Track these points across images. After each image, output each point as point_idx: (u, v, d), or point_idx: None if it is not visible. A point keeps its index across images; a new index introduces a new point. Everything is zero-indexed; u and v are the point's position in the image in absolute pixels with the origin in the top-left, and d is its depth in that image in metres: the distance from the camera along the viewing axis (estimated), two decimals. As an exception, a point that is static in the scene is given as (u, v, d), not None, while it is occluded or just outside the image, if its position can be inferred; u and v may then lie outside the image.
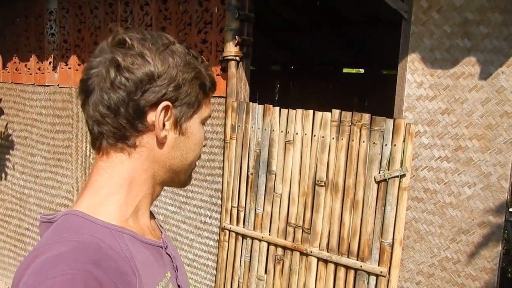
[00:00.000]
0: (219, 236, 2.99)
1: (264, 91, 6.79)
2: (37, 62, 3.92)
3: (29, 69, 3.99)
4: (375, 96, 5.75)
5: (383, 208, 2.39)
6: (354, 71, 8.24)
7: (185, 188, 3.19)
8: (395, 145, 2.30)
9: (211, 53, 2.91)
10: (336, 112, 2.49)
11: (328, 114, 2.52)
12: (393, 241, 2.34)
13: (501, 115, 2.07)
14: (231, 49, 2.70)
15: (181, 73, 0.75)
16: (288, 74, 6.71)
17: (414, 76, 2.26)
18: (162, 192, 3.25)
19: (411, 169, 2.31)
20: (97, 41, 3.48)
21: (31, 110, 4.06)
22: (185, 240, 3.23)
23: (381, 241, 2.39)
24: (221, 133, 2.93)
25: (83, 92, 0.75)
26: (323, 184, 2.57)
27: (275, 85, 6.94)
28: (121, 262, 0.68)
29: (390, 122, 2.29)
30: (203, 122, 0.83)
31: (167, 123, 0.75)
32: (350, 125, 2.46)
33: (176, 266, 0.86)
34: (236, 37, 2.66)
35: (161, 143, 0.76)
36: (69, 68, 3.69)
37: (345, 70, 7.49)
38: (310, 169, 2.64)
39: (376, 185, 2.41)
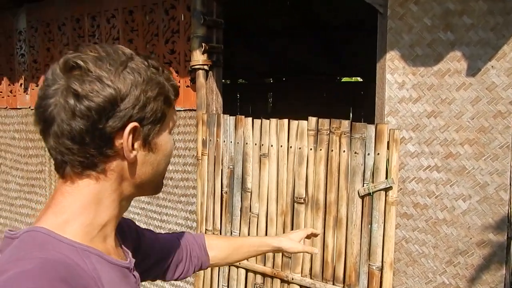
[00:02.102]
0: (195, 263, 2.72)
1: (258, 104, 6.59)
2: (9, 85, 3.75)
3: (0, 92, 3.81)
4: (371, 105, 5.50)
5: (369, 226, 2.12)
6: (353, 79, 8.02)
7: (160, 211, 2.95)
8: (378, 154, 2.04)
9: (180, 63, 2.70)
10: (313, 120, 2.25)
11: (304, 122, 2.28)
12: (382, 264, 2.05)
13: (494, 116, 1.81)
14: (198, 57, 2.48)
15: (145, 92, 0.71)
16: (280, 86, 6.51)
17: (395, 76, 2.02)
18: (136, 217, 3.00)
19: (398, 181, 2.04)
20: (66, 59, 3.30)
21: (5, 135, 3.88)
22: (161, 268, 2.96)
23: (369, 264, 2.11)
24: (193, 149, 2.70)
25: (41, 122, 0.70)
26: (303, 201, 2.31)
27: (267, 98, 6.73)
28: (88, 280, 0.66)
29: (371, 128, 2.04)
30: (170, 131, 0.80)
31: (135, 144, 0.72)
32: (329, 134, 2.21)
33: None
34: (203, 44, 2.45)
35: (131, 163, 0.74)
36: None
37: (344, 79, 7.28)
38: (287, 185, 2.38)
39: (360, 200, 2.14)
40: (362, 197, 2.12)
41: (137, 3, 2.83)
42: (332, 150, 2.18)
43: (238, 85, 7.00)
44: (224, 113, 2.61)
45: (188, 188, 2.79)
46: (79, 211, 0.72)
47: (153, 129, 0.75)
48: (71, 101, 0.67)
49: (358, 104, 5.98)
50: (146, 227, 3.20)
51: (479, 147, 1.85)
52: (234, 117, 2.47)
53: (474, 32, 1.83)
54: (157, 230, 2.94)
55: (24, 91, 3.61)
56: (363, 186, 2.11)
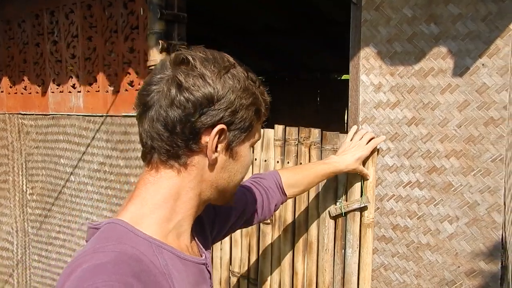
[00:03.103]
0: None
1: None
2: (-29, 87, 3.51)
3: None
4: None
5: (343, 251, 1.83)
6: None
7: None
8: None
9: (140, 63, 2.43)
10: (279, 128, 1.96)
11: (270, 131, 1.99)
12: (357, 295, 1.76)
13: (485, 123, 1.51)
14: (156, 56, 2.21)
15: (239, 98, 0.76)
16: (273, 84, 6.22)
17: (370, 77, 1.72)
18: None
19: (375, 199, 1.75)
20: (26, 59, 3.05)
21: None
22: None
23: (343, 294, 1.81)
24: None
25: (142, 106, 0.76)
26: (269, 222, 2.02)
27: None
28: (160, 277, 0.69)
29: (344, 138, 1.75)
30: (252, 145, 0.84)
31: (219, 146, 0.77)
32: (297, 144, 1.92)
33: (212, 285, 0.87)
34: (160, 41, 2.18)
35: (211, 164, 0.78)
36: (1, 91, 3.25)
37: (344, 77, 6.94)
38: (254, 201, 2.09)
39: (332, 222, 1.85)
40: (334, 218, 1.83)
41: (96, -3, 2.57)
42: (300, 163, 1.89)
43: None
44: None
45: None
46: (158, 204, 0.75)
47: (238, 136, 0.78)
48: (173, 90, 0.72)
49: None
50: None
51: (467, 160, 1.55)
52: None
53: (462, 24, 1.53)
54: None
55: (-14, 94, 3.37)
56: (335, 205, 1.82)
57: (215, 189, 0.81)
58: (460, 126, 1.55)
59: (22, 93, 3.11)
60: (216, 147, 0.76)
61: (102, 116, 2.64)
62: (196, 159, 0.76)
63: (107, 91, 2.61)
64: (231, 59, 0.78)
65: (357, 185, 1.75)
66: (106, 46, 2.57)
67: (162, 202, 0.76)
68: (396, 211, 1.71)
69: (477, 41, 1.51)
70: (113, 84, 2.56)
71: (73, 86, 2.79)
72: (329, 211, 1.83)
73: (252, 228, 2.07)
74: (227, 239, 2.15)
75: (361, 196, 1.74)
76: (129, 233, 0.71)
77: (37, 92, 3.01)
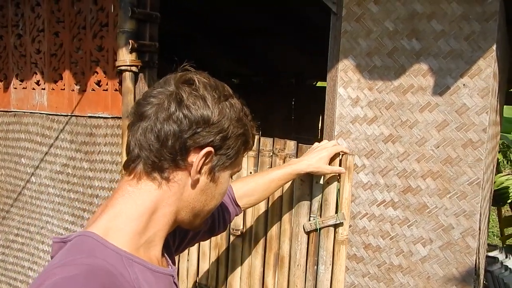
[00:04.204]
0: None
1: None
2: None
3: None
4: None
5: (315, 267, 1.76)
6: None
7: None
8: (328, 182, 1.69)
9: (108, 62, 2.30)
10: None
11: (243, 141, 1.91)
12: (328, 314, 1.70)
13: (463, 145, 1.47)
14: (125, 56, 2.09)
15: (232, 127, 0.79)
16: (248, 88, 6.10)
17: (348, 91, 1.66)
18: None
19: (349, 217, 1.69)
20: (-13, 51, 2.86)
21: None
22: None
23: (313, 313, 1.75)
24: (121, 163, 2.30)
25: (137, 115, 0.78)
26: (239, 234, 1.94)
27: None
28: None
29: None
30: (232, 175, 0.87)
31: (204, 168, 0.79)
32: (271, 156, 1.84)
33: None
34: (130, 41, 2.06)
35: (192, 184, 0.80)
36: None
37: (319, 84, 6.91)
38: (224, 213, 2.01)
39: (305, 237, 1.78)
40: (308, 233, 1.77)
41: (64, -11, 2.42)
42: (274, 175, 1.81)
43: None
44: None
45: (115, 208, 2.40)
46: (133, 217, 0.76)
47: (223, 162, 0.81)
48: (173, 106, 0.75)
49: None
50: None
51: (444, 182, 1.51)
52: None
53: (445, 41, 1.49)
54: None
55: None
56: (309, 220, 1.75)
57: (191, 210, 0.82)
58: (438, 147, 1.51)
59: (-18, 87, 2.92)
60: (201, 168, 0.78)
61: (66, 115, 2.49)
62: (179, 175, 0.78)
63: (73, 90, 2.46)
64: (230, 90, 0.83)
65: (332, 201, 1.69)
66: (74, 43, 2.43)
67: (138, 215, 0.76)
68: (369, 230, 1.66)
69: (459, 60, 1.46)
70: (79, 82, 2.42)
71: (37, 83, 2.63)
72: (303, 226, 1.76)
73: (222, 240, 1.98)
74: (194, 249, 2.05)
75: (336, 212, 1.68)
76: (99, 246, 0.71)
77: (-2, 87, 2.83)
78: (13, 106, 2.78)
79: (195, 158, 0.77)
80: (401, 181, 1.58)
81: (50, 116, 2.58)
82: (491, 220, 5.96)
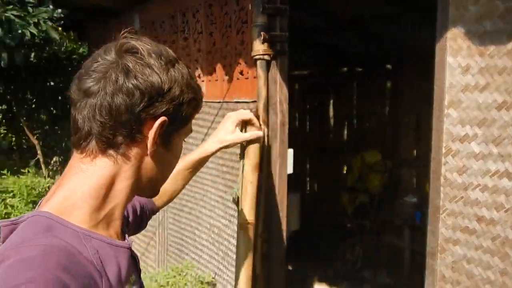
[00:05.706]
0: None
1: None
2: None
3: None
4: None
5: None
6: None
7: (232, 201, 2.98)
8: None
9: (248, 54, 2.66)
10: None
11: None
12: None
13: None
14: (258, 47, 2.41)
15: (183, 93, 0.77)
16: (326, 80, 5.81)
17: (458, 59, 1.63)
18: (215, 204, 3.11)
19: (459, 188, 1.66)
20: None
21: None
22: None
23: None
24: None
25: (81, 91, 0.73)
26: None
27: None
28: (89, 267, 0.67)
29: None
30: (185, 137, 0.86)
31: (159, 138, 0.77)
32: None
33: (139, 268, 0.87)
34: (262, 33, 2.37)
35: (149, 155, 0.78)
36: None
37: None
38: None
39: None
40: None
41: (215, -4, 2.89)
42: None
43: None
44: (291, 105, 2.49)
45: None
46: (89, 193, 0.73)
47: (176, 128, 0.80)
48: (121, 77, 0.71)
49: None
50: (223, 215, 3.28)
51: None
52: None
53: None
54: (232, 219, 3.00)
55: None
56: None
57: (148, 179, 0.81)
58: (557, 111, 1.39)
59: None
60: (157, 138, 0.76)
61: (219, 102, 2.97)
62: (136, 150, 0.76)
63: (223, 80, 2.92)
64: (173, 53, 0.79)
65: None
66: (223, 40, 2.88)
67: (94, 192, 0.74)
68: (482, 201, 1.60)
69: None
70: (227, 73, 2.86)
71: (199, 76, 3.19)
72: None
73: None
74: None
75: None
76: (55, 225, 0.69)
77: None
78: (183, 97, 3.41)
79: (150, 130, 0.75)
80: (516, 150, 1.49)
81: (208, 103, 3.10)
82: None
